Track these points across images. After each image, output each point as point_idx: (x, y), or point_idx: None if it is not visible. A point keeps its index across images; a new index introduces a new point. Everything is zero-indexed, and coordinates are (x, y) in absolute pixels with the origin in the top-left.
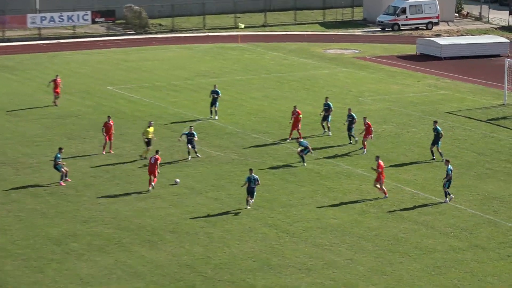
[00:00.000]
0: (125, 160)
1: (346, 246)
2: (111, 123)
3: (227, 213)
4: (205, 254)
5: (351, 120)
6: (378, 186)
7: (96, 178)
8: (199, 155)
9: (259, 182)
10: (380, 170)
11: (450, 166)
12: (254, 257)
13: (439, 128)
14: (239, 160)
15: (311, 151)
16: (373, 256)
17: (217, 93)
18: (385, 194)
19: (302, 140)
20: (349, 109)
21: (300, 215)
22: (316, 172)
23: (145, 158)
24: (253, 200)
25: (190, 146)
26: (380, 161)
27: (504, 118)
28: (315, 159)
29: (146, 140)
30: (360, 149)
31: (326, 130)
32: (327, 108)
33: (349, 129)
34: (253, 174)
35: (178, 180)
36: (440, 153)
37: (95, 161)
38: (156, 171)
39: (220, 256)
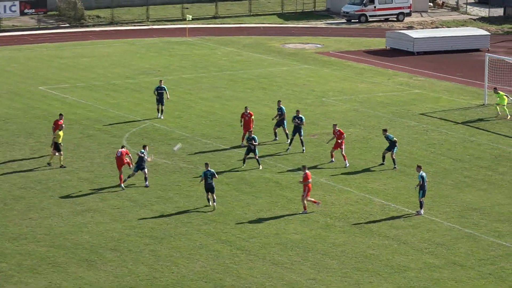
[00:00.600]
0: (60, 170)
1: (309, 265)
2: (61, 123)
3: (175, 228)
4: (151, 274)
5: (295, 118)
6: (309, 199)
7: (27, 190)
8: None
9: (216, 176)
10: (308, 181)
11: (422, 173)
12: (206, 278)
13: (391, 136)
14: (188, 168)
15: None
16: (339, 276)
17: (163, 89)
18: (305, 209)
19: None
20: (297, 111)
21: (257, 230)
22: (275, 181)
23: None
24: (215, 196)
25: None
26: (307, 171)
27: (484, 120)
28: (273, 167)
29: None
30: (330, 162)
31: (276, 138)
32: (280, 113)
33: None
34: (209, 169)
35: (178, 146)
36: (393, 159)
37: (26, 171)
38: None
39: (168, 277)
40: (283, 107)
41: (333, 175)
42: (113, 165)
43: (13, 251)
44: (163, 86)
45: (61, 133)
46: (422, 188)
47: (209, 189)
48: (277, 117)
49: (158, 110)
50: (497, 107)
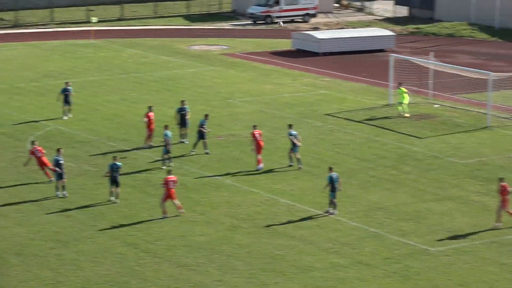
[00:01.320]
0: None
1: (215, 266)
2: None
3: (79, 231)
4: (55, 278)
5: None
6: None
7: None
8: (117, 201)
9: (122, 168)
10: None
11: (331, 174)
12: (111, 281)
13: (294, 133)
14: (93, 171)
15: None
16: (245, 277)
17: (69, 90)
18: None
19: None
20: (206, 115)
21: (163, 232)
22: (181, 183)
23: None
24: (119, 190)
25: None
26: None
27: (389, 119)
28: (179, 169)
29: None
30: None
31: (184, 140)
32: (184, 113)
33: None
34: (115, 162)
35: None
36: (298, 159)
37: None
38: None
39: (73, 281)
40: (187, 107)
41: (239, 176)
42: (17, 168)
43: None
44: (69, 87)
45: None
46: (332, 189)
47: (115, 181)
48: (179, 117)
49: (64, 111)
50: (398, 107)
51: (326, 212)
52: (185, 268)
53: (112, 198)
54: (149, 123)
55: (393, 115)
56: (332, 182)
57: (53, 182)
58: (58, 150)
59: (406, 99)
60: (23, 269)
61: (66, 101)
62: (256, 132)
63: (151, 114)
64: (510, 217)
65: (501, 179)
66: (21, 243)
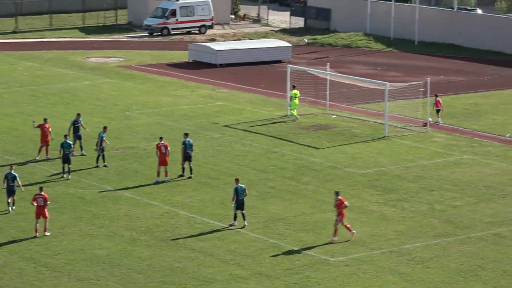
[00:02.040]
0: None
1: (115, 280)
2: (47, 126)
3: None
4: None
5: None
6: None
7: None
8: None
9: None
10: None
11: (237, 186)
12: None
13: (189, 141)
14: None
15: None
16: None
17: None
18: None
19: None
20: (105, 127)
21: (62, 246)
22: (79, 196)
23: None
24: (15, 199)
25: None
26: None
27: (287, 130)
28: (77, 182)
29: None
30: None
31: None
32: (77, 126)
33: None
34: (12, 172)
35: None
36: (190, 168)
37: None
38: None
39: None
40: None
41: (138, 189)
42: None
43: None
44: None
45: None
46: (237, 201)
47: (11, 192)
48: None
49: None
50: (291, 111)
51: (231, 225)
52: (85, 282)
53: (10, 208)
54: (44, 135)
55: (291, 126)
56: (237, 194)
57: None
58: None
59: (295, 103)
60: None
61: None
62: (162, 144)
63: (47, 125)
64: (347, 231)
65: (337, 193)
66: None
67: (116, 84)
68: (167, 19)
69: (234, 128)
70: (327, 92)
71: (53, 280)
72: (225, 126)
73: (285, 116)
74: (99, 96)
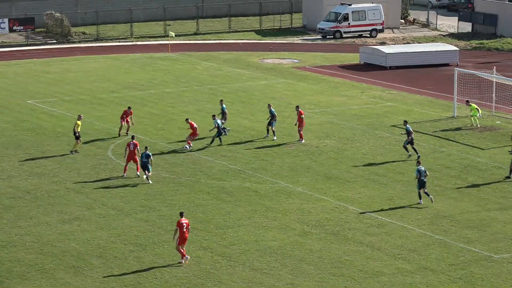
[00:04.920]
0: (48, 180)
1: (287, 270)
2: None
3: (158, 235)
4: (136, 280)
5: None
6: None
7: (16, 199)
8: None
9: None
10: None
11: (419, 167)
12: (188, 283)
13: (409, 127)
14: (171, 178)
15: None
16: (316, 280)
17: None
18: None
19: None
20: (269, 104)
21: (237, 237)
22: (254, 190)
23: (76, 151)
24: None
25: (145, 172)
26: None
27: (454, 131)
28: (252, 177)
29: (76, 134)
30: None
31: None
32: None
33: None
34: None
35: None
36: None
37: (15, 181)
38: (137, 157)
39: (152, 282)
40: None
41: (309, 185)
42: (99, 175)
43: (3, 258)
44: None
45: (79, 122)
46: (419, 181)
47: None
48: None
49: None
50: (471, 118)
51: (419, 203)
52: (258, 272)
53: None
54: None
55: (458, 127)
56: (420, 174)
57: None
58: (146, 147)
59: (477, 112)
60: (104, 271)
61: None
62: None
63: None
64: None
65: None
66: (102, 246)
67: (290, 84)
68: (340, 23)
69: (403, 128)
70: (493, 95)
71: (228, 269)
72: (393, 126)
73: (452, 117)
74: (274, 95)
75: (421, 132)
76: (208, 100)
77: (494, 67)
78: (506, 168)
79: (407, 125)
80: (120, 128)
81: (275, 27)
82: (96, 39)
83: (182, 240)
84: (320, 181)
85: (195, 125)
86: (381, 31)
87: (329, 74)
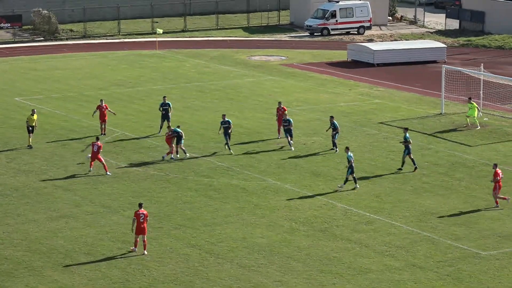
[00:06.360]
0: (35, 178)
1: (275, 267)
2: (105, 106)
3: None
4: (124, 277)
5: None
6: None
7: (3, 196)
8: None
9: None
10: (497, 178)
11: (349, 153)
12: (176, 280)
13: (335, 122)
14: (159, 176)
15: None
16: (304, 277)
17: (168, 105)
18: (497, 203)
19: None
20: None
21: (225, 234)
22: (242, 188)
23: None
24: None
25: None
26: (498, 169)
27: (441, 128)
28: (240, 174)
29: (29, 127)
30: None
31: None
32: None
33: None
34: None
35: (89, 155)
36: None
37: (2, 179)
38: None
39: (140, 280)
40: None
41: (297, 182)
42: (86, 173)
43: None
44: (167, 102)
45: (34, 116)
46: (350, 167)
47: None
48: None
49: (161, 126)
50: (467, 118)
51: (340, 186)
52: (246, 269)
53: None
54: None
55: (445, 124)
56: (349, 161)
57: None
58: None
59: (476, 112)
60: (92, 268)
61: (165, 116)
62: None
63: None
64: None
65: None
66: (90, 243)
67: (278, 81)
68: (327, 20)
69: (390, 125)
70: (481, 92)
71: (216, 266)
72: (381, 123)
73: (440, 114)
74: (262, 92)
75: (409, 129)
76: (196, 97)
77: (482, 64)
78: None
79: (407, 133)
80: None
81: (262, 24)
82: (84, 36)
83: (139, 230)
84: (307, 178)
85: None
86: (369, 28)
87: (317, 71)
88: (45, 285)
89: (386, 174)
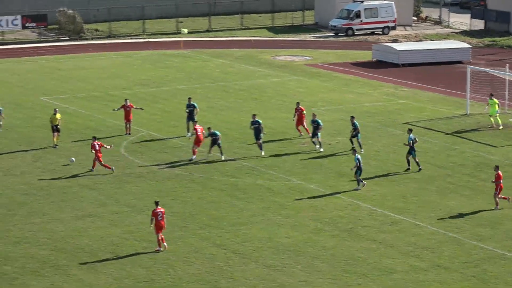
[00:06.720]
0: (60, 176)
1: (300, 267)
2: (130, 105)
3: (171, 232)
4: (149, 277)
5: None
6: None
7: (29, 195)
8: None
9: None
10: (500, 181)
11: (357, 155)
12: (201, 280)
13: (412, 136)
14: (184, 175)
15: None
16: (329, 278)
17: (193, 106)
18: (497, 205)
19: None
20: (314, 115)
21: (250, 234)
22: (267, 187)
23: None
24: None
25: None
26: (499, 171)
27: (467, 129)
28: (265, 174)
29: (53, 127)
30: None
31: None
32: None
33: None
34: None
35: (73, 158)
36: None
37: (28, 178)
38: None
39: (165, 279)
40: (319, 120)
41: (322, 182)
42: (111, 172)
43: (17, 254)
44: (192, 103)
45: (57, 115)
46: (359, 168)
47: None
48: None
49: (188, 128)
50: (491, 118)
51: (356, 190)
52: (271, 269)
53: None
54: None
55: (471, 125)
56: (359, 163)
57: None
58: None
59: (495, 108)
60: (118, 267)
61: (190, 117)
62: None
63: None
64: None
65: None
66: (115, 242)
67: (303, 81)
68: (352, 20)
69: (415, 125)
70: (506, 93)
71: (241, 266)
72: (405, 123)
73: (465, 115)
74: (286, 92)
75: (434, 130)
76: (220, 97)
77: (507, 64)
78: None
79: (411, 135)
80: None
81: (287, 24)
82: (109, 36)
83: (158, 228)
84: (332, 179)
85: (199, 131)
86: (394, 28)
87: (341, 71)
88: (70, 284)
89: (411, 175)
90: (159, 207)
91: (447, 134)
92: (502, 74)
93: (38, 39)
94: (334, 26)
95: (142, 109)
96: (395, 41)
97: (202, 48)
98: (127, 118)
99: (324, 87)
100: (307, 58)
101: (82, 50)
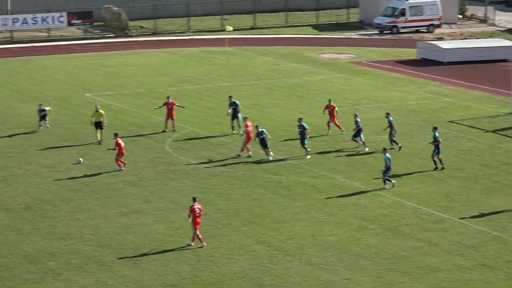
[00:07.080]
0: (105, 173)
1: (344, 265)
2: (172, 103)
3: (215, 229)
4: (192, 273)
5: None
6: None
7: (74, 192)
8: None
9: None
10: None
11: (387, 155)
12: (245, 277)
13: (391, 119)
14: (228, 172)
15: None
16: (373, 276)
17: (236, 104)
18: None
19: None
20: (356, 115)
21: (294, 231)
22: (311, 185)
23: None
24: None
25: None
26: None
27: None
28: (309, 171)
29: (96, 123)
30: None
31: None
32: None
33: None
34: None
35: (81, 159)
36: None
37: (73, 174)
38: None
39: (209, 276)
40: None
41: (366, 180)
42: (156, 168)
43: (62, 250)
44: (233, 101)
45: (101, 111)
46: (387, 169)
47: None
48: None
49: (232, 127)
50: None
51: (383, 188)
52: (315, 267)
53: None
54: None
55: None
56: (389, 162)
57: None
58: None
59: None
60: (162, 264)
61: (234, 116)
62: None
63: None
64: None
65: None
66: (159, 239)
67: (347, 79)
68: (397, 18)
69: (460, 124)
70: None
71: (285, 263)
72: (450, 121)
73: (510, 113)
74: (331, 90)
75: (479, 128)
76: (265, 95)
77: None
78: None
79: (436, 132)
80: (166, 125)
81: (332, 22)
82: (154, 33)
83: (195, 223)
84: (376, 176)
85: (250, 128)
86: (439, 26)
87: (386, 69)
88: (115, 280)
89: (455, 173)
90: (196, 203)
91: (492, 132)
92: None
93: (84, 36)
94: (379, 24)
95: (184, 107)
96: (440, 39)
97: (247, 45)
98: (170, 116)
99: (369, 85)
100: (352, 56)
101: (127, 47)
